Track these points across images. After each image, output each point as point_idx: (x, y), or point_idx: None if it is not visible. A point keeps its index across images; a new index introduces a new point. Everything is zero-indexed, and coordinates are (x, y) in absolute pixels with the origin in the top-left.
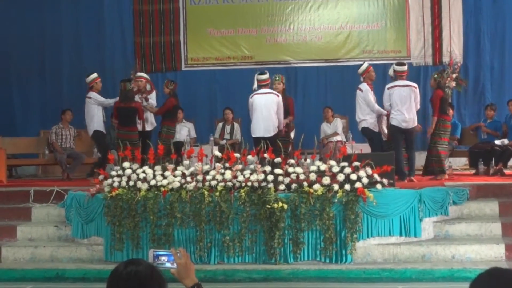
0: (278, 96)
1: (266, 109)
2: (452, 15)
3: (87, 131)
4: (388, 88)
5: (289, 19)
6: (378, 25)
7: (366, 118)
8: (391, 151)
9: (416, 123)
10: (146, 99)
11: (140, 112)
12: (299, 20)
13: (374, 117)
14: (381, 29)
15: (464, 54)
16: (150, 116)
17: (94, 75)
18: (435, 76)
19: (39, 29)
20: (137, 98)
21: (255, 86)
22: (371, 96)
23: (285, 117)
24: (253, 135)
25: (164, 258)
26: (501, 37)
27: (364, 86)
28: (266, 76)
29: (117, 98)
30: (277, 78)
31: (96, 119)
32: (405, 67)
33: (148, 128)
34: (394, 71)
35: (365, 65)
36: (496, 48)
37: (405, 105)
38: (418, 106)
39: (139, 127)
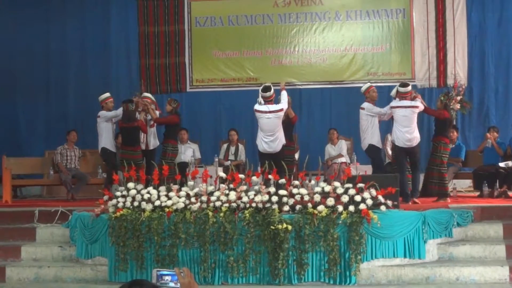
0: (282, 109)
1: (273, 128)
2: (457, 38)
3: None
4: (392, 107)
5: (294, 41)
6: (383, 47)
7: (369, 136)
8: (396, 173)
9: (418, 141)
10: (152, 125)
11: (143, 127)
12: (304, 42)
13: (378, 134)
14: (385, 52)
15: (468, 77)
16: (153, 136)
17: (106, 94)
18: (442, 98)
19: (44, 50)
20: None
21: (261, 100)
22: (373, 108)
23: (289, 135)
24: (259, 150)
25: (168, 278)
26: (506, 60)
27: (366, 104)
28: (269, 93)
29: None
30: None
31: (105, 136)
32: (408, 88)
33: (151, 147)
34: (398, 92)
35: (367, 84)
36: (501, 71)
37: (407, 125)
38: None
39: (143, 146)
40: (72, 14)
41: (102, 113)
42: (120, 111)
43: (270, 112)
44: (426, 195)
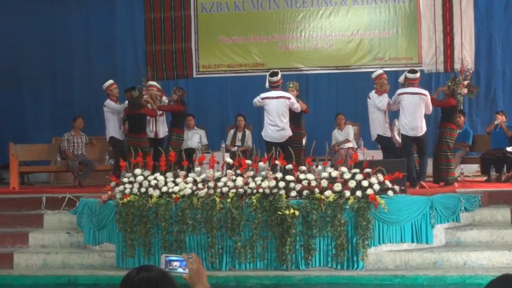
0: (290, 98)
1: (280, 114)
2: (464, 22)
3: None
4: (399, 94)
5: (301, 26)
6: (390, 32)
7: (376, 124)
8: (403, 158)
9: (424, 131)
10: (161, 114)
11: (149, 112)
12: (311, 27)
13: (384, 121)
14: (392, 36)
15: (475, 61)
16: (162, 124)
17: (109, 82)
18: (449, 84)
19: (50, 37)
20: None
21: (267, 85)
22: (378, 99)
23: (296, 121)
24: (265, 139)
25: (176, 264)
26: None
27: (372, 94)
28: (277, 78)
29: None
30: (291, 85)
31: (112, 126)
32: (417, 75)
33: (161, 135)
34: (406, 78)
35: (379, 71)
36: (508, 55)
37: (413, 113)
38: (429, 111)
39: (152, 135)
40: (77, 1)
41: (108, 103)
42: (123, 107)
43: (277, 97)
44: (437, 182)
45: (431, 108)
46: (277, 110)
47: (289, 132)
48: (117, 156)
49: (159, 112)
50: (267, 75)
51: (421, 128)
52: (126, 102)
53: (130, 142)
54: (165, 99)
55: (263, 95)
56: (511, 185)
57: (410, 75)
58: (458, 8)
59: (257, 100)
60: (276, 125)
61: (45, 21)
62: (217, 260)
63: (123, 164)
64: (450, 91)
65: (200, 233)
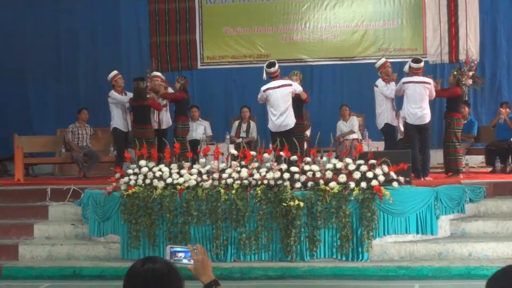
0: (291, 84)
1: (283, 103)
2: (469, 13)
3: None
4: (404, 83)
5: (305, 17)
6: (394, 23)
7: (384, 113)
8: (407, 149)
9: (429, 119)
10: (165, 105)
11: (154, 105)
12: (315, 19)
13: (391, 111)
14: (397, 27)
15: (480, 52)
16: (166, 115)
17: (114, 72)
18: (455, 73)
19: (54, 28)
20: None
21: (264, 76)
22: (386, 87)
23: (298, 113)
24: (270, 129)
25: (181, 255)
26: None
27: (379, 82)
28: (274, 69)
29: (131, 95)
30: (295, 73)
31: (116, 117)
32: (421, 64)
33: (164, 126)
34: (410, 67)
35: (382, 60)
36: None
37: (418, 101)
38: (432, 97)
39: (155, 125)
40: None
41: (112, 93)
42: (127, 98)
43: (278, 86)
44: (447, 172)
45: (434, 94)
46: (281, 99)
47: (292, 121)
48: (119, 148)
49: (163, 102)
50: (264, 67)
51: (427, 116)
52: (131, 93)
53: (135, 133)
54: (170, 90)
55: (263, 87)
56: None
57: (414, 65)
58: None
59: (260, 95)
60: (280, 114)
61: (50, 12)
62: (222, 251)
63: (127, 155)
64: (455, 81)
65: (205, 225)
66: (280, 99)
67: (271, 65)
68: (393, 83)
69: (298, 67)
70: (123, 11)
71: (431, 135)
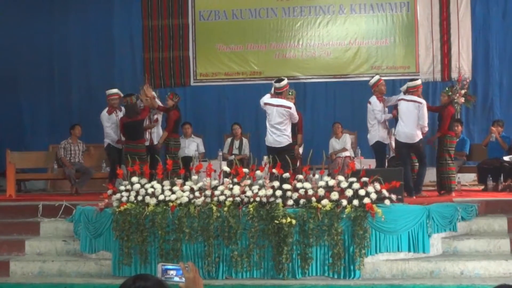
0: (290, 108)
1: (279, 121)
2: (461, 31)
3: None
4: (398, 100)
5: (298, 35)
6: (387, 41)
7: (376, 130)
8: (399, 167)
9: (418, 139)
10: (156, 120)
11: (146, 119)
12: (308, 36)
13: (382, 129)
14: (390, 45)
15: (473, 70)
16: (157, 132)
17: (112, 91)
18: (450, 93)
19: (48, 44)
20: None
21: (272, 91)
22: (379, 107)
23: (294, 132)
24: (266, 143)
25: (173, 272)
26: (510, 53)
27: (373, 99)
28: (279, 84)
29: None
30: (290, 93)
31: (109, 133)
32: (416, 82)
33: (156, 142)
34: (407, 86)
35: (376, 78)
36: (505, 64)
37: (407, 119)
38: (422, 123)
39: (147, 143)
40: (75, 7)
41: (102, 116)
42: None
43: (277, 105)
44: (440, 190)
45: (425, 118)
46: (278, 117)
47: (286, 140)
48: (112, 164)
49: (154, 118)
50: (273, 82)
51: (416, 136)
52: (121, 113)
53: (127, 149)
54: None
55: (266, 100)
56: (508, 195)
57: (410, 84)
58: (455, 17)
59: (261, 103)
60: (274, 132)
61: (43, 27)
62: (214, 268)
63: (120, 172)
64: (450, 100)
65: (197, 242)
66: (277, 117)
67: (280, 80)
68: (386, 111)
69: (291, 84)
70: (117, 26)
71: (425, 153)
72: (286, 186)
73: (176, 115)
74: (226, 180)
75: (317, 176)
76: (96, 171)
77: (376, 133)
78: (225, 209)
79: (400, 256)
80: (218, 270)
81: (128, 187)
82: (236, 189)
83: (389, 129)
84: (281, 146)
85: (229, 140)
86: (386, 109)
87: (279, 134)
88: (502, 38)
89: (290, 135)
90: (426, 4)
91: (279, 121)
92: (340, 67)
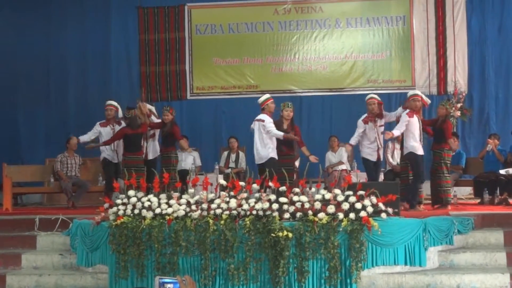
0: (263, 120)
1: (258, 136)
2: (457, 45)
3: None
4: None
5: (294, 48)
6: (383, 54)
7: (361, 146)
8: (395, 180)
9: (408, 151)
10: (152, 135)
11: (152, 126)
12: (304, 50)
13: (368, 145)
14: (386, 59)
15: (468, 84)
16: (153, 146)
17: (109, 102)
18: (447, 107)
19: (44, 57)
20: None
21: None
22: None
23: (289, 144)
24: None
25: (170, 286)
26: (506, 66)
27: (363, 118)
28: (262, 99)
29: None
30: (289, 105)
31: (105, 147)
32: (409, 92)
33: (150, 157)
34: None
35: (368, 96)
36: (501, 78)
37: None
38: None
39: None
40: (72, 21)
41: (94, 128)
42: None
43: (257, 120)
44: (434, 204)
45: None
46: (257, 131)
47: (266, 154)
48: (108, 178)
49: (151, 133)
50: None
51: (406, 148)
52: (118, 126)
53: (125, 161)
54: (154, 119)
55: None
56: (504, 208)
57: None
58: (451, 31)
59: None
60: (257, 148)
61: (40, 41)
62: (210, 282)
63: (116, 185)
64: (447, 113)
65: (194, 255)
66: (257, 132)
67: (260, 97)
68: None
69: (287, 98)
70: (114, 40)
71: (423, 171)
72: (282, 199)
73: (179, 128)
74: (223, 193)
75: (313, 189)
76: (92, 184)
77: (362, 149)
78: (222, 222)
79: (397, 269)
80: (215, 284)
81: (125, 200)
82: (233, 203)
83: (379, 147)
84: (264, 161)
85: (225, 153)
86: (382, 128)
87: (257, 149)
88: (498, 51)
89: (273, 147)
90: (422, 18)
91: (258, 135)
92: (336, 81)
